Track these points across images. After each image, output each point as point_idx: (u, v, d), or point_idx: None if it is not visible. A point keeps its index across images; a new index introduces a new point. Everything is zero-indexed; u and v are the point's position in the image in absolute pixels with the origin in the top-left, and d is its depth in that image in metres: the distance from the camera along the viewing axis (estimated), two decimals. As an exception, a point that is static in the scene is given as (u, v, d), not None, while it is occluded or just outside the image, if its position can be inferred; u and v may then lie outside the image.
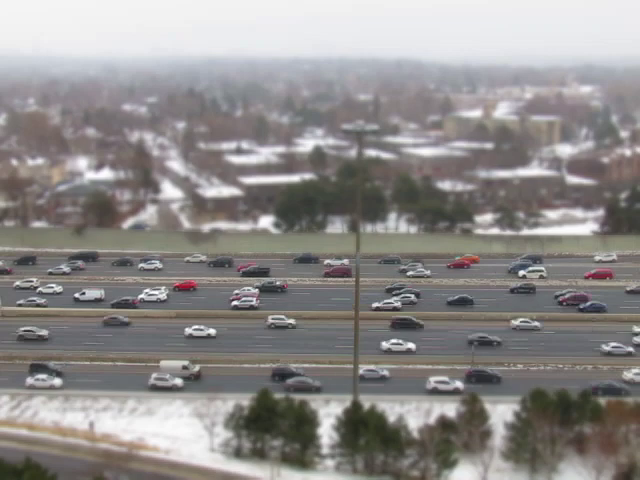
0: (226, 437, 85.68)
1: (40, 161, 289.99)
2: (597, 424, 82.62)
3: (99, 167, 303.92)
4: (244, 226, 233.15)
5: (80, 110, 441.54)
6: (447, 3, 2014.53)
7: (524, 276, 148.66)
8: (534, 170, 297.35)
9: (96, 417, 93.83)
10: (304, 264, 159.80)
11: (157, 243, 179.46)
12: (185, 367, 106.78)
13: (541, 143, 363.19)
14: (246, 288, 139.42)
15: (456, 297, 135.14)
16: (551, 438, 79.73)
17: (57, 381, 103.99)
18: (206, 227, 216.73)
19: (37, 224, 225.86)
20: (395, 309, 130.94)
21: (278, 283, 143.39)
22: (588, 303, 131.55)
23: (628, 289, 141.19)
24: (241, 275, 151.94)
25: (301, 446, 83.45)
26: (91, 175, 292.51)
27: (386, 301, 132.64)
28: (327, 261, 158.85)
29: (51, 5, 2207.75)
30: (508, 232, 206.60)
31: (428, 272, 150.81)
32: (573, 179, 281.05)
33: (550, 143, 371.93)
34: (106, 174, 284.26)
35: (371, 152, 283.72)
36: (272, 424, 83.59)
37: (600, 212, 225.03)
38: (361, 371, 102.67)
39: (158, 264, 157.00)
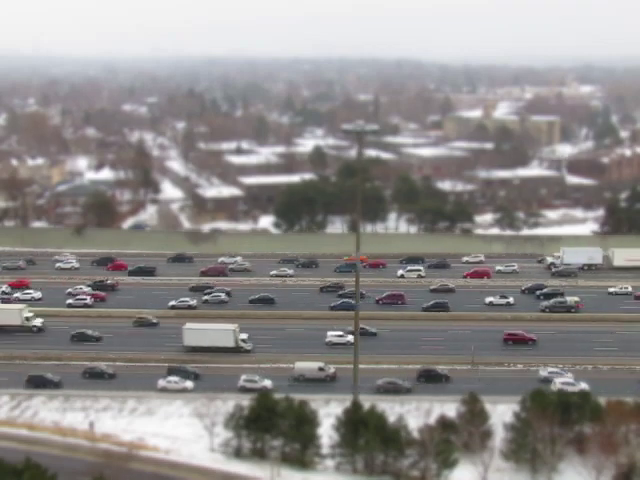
0: (226, 437, 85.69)
1: (40, 161, 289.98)
2: (597, 424, 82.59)
3: (99, 167, 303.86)
4: (244, 226, 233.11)
5: (80, 110, 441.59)
6: (447, 3, 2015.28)
7: (402, 275, 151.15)
8: (534, 170, 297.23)
9: (96, 417, 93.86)
10: (178, 263, 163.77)
11: (157, 243, 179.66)
12: (321, 368, 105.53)
13: (541, 143, 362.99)
14: (79, 287, 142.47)
15: (257, 296, 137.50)
16: (551, 438, 79.72)
17: (189, 383, 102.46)
18: (206, 227, 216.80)
19: (37, 224, 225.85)
20: (190, 307, 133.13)
21: (109, 282, 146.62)
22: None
23: (523, 287, 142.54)
24: (128, 274, 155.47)
25: (301, 446, 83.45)
26: (91, 175, 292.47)
27: (182, 299, 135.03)
28: (221, 259, 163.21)
29: (51, 5, 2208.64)
30: (508, 232, 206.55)
31: (291, 272, 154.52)
32: (573, 179, 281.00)
33: (550, 143, 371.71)
34: (106, 174, 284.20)
35: (371, 152, 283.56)
36: (272, 424, 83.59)
37: (600, 212, 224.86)
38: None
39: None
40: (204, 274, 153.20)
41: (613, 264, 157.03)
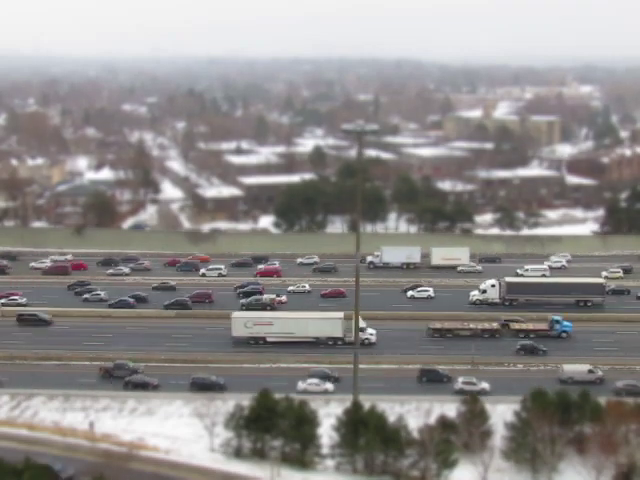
0: (226, 437, 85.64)
1: (40, 161, 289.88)
2: (597, 424, 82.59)
3: (99, 167, 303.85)
4: (244, 226, 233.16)
5: (80, 110, 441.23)
6: (447, 3, 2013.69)
7: (203, 274, 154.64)
8: (534, 170, 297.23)
9: (96, 417, 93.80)
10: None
11: (157, 243, 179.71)
12: (591, 371, 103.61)
13: (541, 143, 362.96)
14: None
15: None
16: (551, 438, 79.70)
17: (329, 385, 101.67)
18: (206, 227, 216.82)
19: (37, 224, 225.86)
20: (20, 305, 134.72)
21: None
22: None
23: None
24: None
25: (301, 446, 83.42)
26: (91, 175, 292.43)
27: (12, 297, 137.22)
28: (51, 257, 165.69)
29: (51, 5, 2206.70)
30: (508, 232, 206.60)
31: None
32: (573, 179, 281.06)
33: (550, 143, 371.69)
34: (106, 174, 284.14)
35: (371, 152, 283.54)
36: (272, 424, 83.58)
37: (600, 212, 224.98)
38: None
39: None
40: (45, 273, 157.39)
41: (431, 263, 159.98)
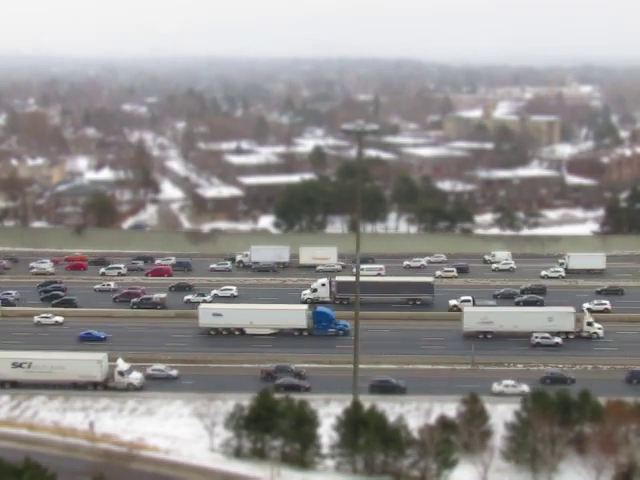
0: (226, 437, 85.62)
1: (40, 161, 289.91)
2: (597, 424, 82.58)
3: (99, 167, 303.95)
4: (244, 226, 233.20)
5: (80, 110, 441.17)
6: (447, 3, 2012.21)
7: (103, 273, 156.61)
8: (534, 170, 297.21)
9: (96, 417, 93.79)
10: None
11: (157, 243, 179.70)
12: None
13: (541, 143, 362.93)
14: None
15: None
16: (551, 438, 79.71)
17: (525, 387, 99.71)
18: (206, 227, 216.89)
19: (37, 224, 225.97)
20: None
21: None
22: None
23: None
24: None
25: (301, 446, 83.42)
26: (91, 175, 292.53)
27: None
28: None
29: (51, 5, 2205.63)
30: (508, 232, 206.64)
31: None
32: (573, 179, 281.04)
33: (550, 143, 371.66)
34: (106, 174, 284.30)
35: (371, 152, 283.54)
36: (272, 424, 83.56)
37: (600, 212, 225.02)
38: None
39: None
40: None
41: (300, 262, 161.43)
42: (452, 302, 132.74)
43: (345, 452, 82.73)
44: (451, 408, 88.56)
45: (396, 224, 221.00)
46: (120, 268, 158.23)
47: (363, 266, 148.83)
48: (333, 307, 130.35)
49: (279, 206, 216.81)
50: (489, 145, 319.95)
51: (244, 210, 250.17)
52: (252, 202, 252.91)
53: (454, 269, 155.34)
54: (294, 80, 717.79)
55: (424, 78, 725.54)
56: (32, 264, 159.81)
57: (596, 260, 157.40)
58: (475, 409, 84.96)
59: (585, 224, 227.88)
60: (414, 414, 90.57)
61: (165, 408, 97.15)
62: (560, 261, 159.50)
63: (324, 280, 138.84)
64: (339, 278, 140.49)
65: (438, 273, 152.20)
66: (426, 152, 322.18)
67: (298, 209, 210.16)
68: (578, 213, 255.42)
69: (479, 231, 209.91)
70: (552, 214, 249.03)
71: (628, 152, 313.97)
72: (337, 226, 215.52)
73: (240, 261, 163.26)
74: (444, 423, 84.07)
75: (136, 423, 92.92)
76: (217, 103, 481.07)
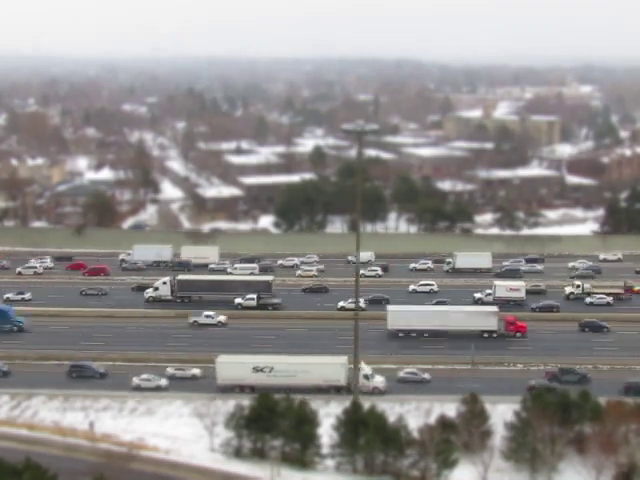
0: (226, 437, 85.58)
1: (40, 161, 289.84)
2: (597, 424, 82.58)
3: (99, 167, 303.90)
4: (244, 226, 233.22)
5: (80, 110, 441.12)
6: (447, 3, 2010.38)
7: (20, 273, 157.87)
8: (534, 170, 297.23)
9: (96, 417, 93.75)
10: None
11: (157, 243, 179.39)
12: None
13: (541, 143, 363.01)
14: None
15: None
16: (551, 438, 79.71)
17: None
18: (206, 227, 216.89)
19: (37, 224, 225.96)
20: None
21: None
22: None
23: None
24: None
25: (301, 446, 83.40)
26: (91, 175, 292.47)
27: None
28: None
29: (51, 5, 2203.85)
30: (508, 232, 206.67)
31: None
32: (573, 179, 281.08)
33: (550, 143, 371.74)
34: (106, 174, 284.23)
35: (371, 152, 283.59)
36: (272, 424, 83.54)
37: (600, 212, 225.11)
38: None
39: None
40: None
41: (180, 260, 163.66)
42: (340, 304, 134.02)
43: (345, 452, 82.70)
44: (451, 408, 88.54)
45: (396, 224, 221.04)
46: (36, 267, 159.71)
47: (237, 265, 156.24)
48: (175, 305, 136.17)
49: (279, 206, 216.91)
50: (489, 145, 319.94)
51: (244, 210, 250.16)
52: (252, 202, 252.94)
53: (314, 268, 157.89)
54: (294, 80, 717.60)
55: (424, 78, 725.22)
56: None
57: (482, 259, 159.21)
58: (475, 409, 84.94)
59: (585, 224, 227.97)
60: (414, 414, 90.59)
61: (165, 408, 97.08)
62: (447, 260, 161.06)
63: (166, 279, 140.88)
64: (180, 277, 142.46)
65: (298, 272, 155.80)
66: (426, 152, 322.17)
67: (298, 209, 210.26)
68: (578, 213, 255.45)
69: (479, 231, 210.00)
70: (552, 214, 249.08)
71: (628, 152, 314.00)
72: (337, 226, 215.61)
73: (122, 260, 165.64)
74: (444, 423, 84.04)
75: (136, 423, 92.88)
76: (217, 103, 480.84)
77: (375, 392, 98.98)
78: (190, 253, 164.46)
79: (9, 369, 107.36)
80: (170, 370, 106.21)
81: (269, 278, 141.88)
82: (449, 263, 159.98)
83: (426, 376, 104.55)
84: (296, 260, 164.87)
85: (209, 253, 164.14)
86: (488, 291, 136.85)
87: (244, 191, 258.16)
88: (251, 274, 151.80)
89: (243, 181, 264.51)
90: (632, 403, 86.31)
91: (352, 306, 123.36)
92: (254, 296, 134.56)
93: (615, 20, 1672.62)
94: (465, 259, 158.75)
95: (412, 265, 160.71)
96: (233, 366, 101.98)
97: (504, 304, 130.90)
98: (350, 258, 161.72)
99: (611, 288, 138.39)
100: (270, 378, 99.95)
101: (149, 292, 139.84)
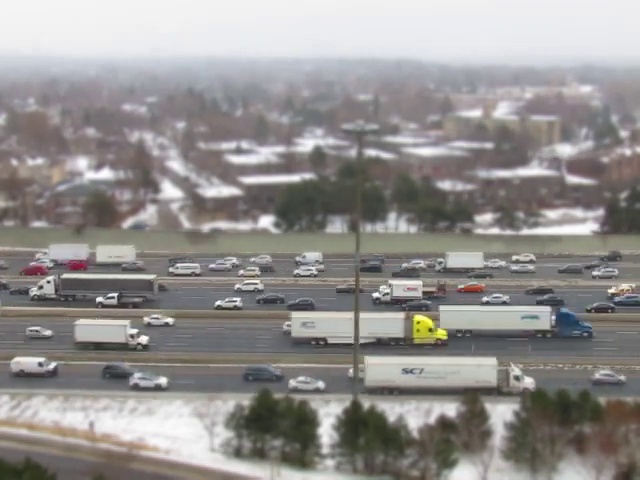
0: (226, 437, 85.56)
1: (40, 161, 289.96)
2: (597, 424, 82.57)
3: (99, 167, 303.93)
4: (244, 226, 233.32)
5: (80, 110, 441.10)
6: (447, 3, 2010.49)
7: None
8: (534, 170, 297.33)
9: (96, 417, 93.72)
10: None
11: (157, 243, 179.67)
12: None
13: (541, 143, 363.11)
14: None
15: None
16: (551, 438, 79.70)
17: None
18: (206, 227, 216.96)
19: (37, 224, 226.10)
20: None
21: None
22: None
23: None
24: None
25: (301, 446, 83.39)
26: (91, 175, 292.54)
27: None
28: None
29: (51, 5, 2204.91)
30: (508, 232, 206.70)
31: None
32: (573, 179, 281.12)
33: (550, 143, 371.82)
34: (106, 174, 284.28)
35: (371, 152, 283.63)
36: (272, 424, 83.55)
37: (600, 212, 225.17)
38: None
39: None
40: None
41: (97, 260, 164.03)
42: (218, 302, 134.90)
43: (345, 452, 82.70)
44: (451, 408, 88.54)
45: (396, 224, 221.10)
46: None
47: (178, 264, 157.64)
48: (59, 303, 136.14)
49: (279, 206, 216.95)
50: (489, 145, 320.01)
51: (244, 210, 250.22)
52: (252, 202, 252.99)
53: (257, 268, 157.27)
54: (294, 80, 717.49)
55: (424, 78, 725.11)
56: None
57: (474, 259, 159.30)
58: (475, 409, 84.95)
59: (585, 224, 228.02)
60: (414, 414, 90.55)
61: (165, 408, 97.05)
62: (439, 260, 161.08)
63: (50, 277, 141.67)
64: (65, 275, 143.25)
65: (241, 272, 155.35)
66: (426, 152, 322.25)
67: (298, 209, 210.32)
68: (578, 213, 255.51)
69: (479, 231, 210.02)
70: (552, 214, 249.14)
71: (628, 152, 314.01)
72: (337, 226, 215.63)
73: (38, 259, 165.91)
74: (444, 423, 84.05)
75: (136, 423, 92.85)
76: (217, 103, 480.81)
77: (525, 393, 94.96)
78: (106, 252, 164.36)
79: None
80: None
81: (151, 277, 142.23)
82: (441, 263, 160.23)
83: (622, 378, 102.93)
84: (234, 260, 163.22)
85: (124, 252, 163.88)
86: (386, 290, 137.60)
87: (244, 191, 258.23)
88: (192, 274, 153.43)
89: (243, 181, 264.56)
90: (632, 403, 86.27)
91: (229, 305, 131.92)
92: (115, 295, 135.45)
93: (615, 20, 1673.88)
94: (456, 259, 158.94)
95: (404, 265, 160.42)
96: (383, 368, 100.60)
97: (402, 304, 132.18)
98: (298, 259, 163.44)
99: (426, 287, 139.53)
100: (420, 380, 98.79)
101: (34, 290, 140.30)
